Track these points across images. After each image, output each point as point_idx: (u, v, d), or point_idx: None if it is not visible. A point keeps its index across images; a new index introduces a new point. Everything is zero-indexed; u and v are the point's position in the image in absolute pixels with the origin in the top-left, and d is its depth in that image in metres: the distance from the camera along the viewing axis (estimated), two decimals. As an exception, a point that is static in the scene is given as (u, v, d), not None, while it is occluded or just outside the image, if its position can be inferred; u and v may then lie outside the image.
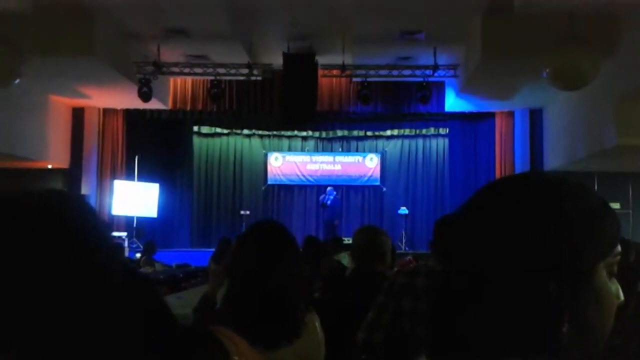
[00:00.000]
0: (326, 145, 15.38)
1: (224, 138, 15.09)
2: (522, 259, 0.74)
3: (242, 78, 11.40)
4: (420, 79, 10.74)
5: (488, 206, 0.79)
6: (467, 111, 12.52)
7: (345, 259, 5.77)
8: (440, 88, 12.27)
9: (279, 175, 14.95)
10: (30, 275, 0.70)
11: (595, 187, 11.24)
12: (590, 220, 0.77)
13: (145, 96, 10.48)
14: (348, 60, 10.56)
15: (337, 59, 10.50)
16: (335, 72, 10.85)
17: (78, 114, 12.53)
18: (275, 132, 15.05)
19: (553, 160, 11.41)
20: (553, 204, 0.76)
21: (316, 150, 15.31)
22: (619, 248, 0.79)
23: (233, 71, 10.90)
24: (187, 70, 11.00)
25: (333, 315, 2.70)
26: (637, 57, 7.76)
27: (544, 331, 0.72)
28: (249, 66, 10.70)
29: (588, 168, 10.83)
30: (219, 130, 14.90)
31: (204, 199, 14.80)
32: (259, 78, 11.38)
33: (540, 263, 0.73)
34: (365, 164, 14.98)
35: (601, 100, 8.79)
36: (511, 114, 12.80)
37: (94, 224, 0.80)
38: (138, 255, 10.31)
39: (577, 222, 0.76)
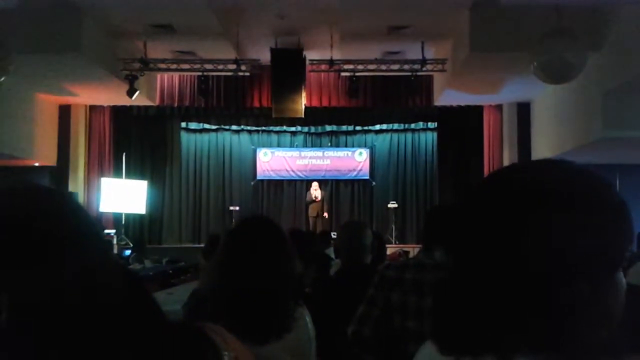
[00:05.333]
0: (315, 141, 15.34)
1: (212, 134, 15.01)
2: (548, 256, 0.71)
3: (229, 74, 11.35)
4: (409, 74, 10.75)
5: (503, 202, 0.78)
6: (455, 105, 12.56)
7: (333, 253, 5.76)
8: (428, 82, 12.29)
9: (268, 170, 14.92)
10: (24, 272, 0.69)
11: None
12: (614, 212, 0.76)
13: (132, 93, 10.42)
14: (336, 55, 10.54)
15: (325, 54, 10.48)
16: (323, 67, 10.81)
17: (65, 111, 12.43)
18: (264, 128, 14.97)
19: (541, 153, 11.46)
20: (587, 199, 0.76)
21: (305, 145, 15.27)
22: None
23: (220, 67, 10.85)
24: (174, 66, 10.94)
25: (324, 310, 2.70)
26: (623, 50, 7.82)
27: (563, 329, 0.71)
28: (236, 62, 10.65)
29: (576, 160, 10.85)
30: (207, 126, 14.81)
31: (192, 195, 14.72)
32: (247, 73, 11.34)
33: (569, 260, 0.71)
34: (354, 159, 14.99)
35: (588, 93, 8.84)
36: (499, 108, 12.84)
37: (86, 221, 0.80)
38: (128, 252, 10.28)
39: (607, 215, 0.74)
